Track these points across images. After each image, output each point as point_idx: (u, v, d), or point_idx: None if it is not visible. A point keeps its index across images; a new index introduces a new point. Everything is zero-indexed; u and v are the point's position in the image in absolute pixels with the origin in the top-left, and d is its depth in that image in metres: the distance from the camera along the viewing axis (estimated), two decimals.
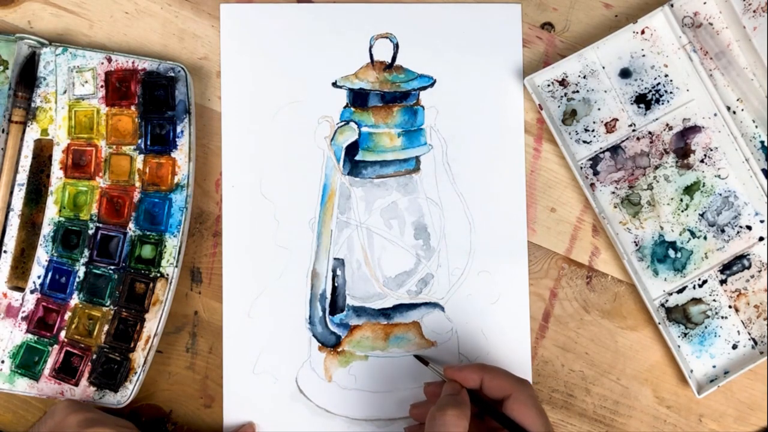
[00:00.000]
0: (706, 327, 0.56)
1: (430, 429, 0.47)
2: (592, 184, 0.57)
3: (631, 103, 0.57)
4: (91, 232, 0.54)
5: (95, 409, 0.52)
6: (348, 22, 0.57)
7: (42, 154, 0.56)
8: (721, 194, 0.57)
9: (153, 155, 0.55)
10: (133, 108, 0.55)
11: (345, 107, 0.57)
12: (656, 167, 0.57)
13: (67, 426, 0.49)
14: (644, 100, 0.57)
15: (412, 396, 0.56)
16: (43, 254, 0.54)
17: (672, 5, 0.56)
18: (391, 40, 0.57)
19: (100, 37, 0.57)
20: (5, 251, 0.54)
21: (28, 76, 0.55)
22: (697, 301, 0.57)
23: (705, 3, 0.56)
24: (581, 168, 0.57)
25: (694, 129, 0.57)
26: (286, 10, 0.57)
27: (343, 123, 0.57)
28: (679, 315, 0.56)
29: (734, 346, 0.56)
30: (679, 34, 0.56)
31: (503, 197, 0.57)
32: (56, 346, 0.54)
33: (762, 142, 0.57)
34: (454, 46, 0.57)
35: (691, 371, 0.56)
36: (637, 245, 0.57)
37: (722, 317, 0.56)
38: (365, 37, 0.57)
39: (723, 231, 0.57)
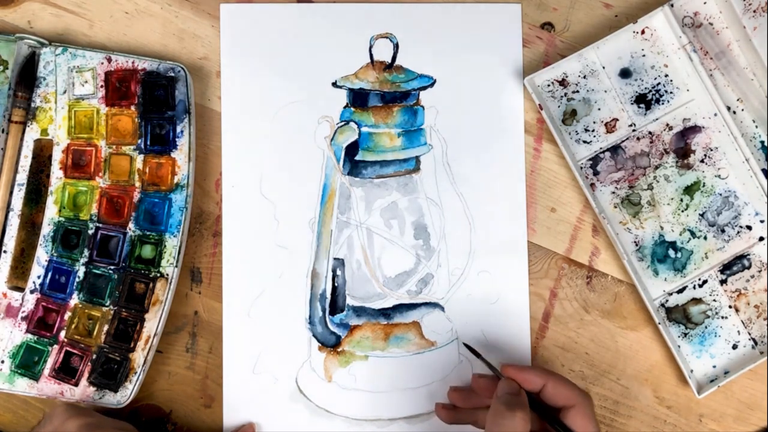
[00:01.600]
0: (706, 327, 0.56)
1: (495, 425, 0.46)
2: (592, 184, 0.57)
3: (631, 103, 0.57)
4: (91, 232, 0.54)
5: (94, 413, 0.51)
6: (348, 22, 0.57)
7: (42, 154, 0.56)
8: (721, 194, 0.57)
9: (153, 155, 0.55)
10: (133, 108, 0.55)
11: (345, 107, 0.57)
12: (656, 167, 0.57)
13: (66, 431, 0.49)
14: (644, 100, 0.57)
15: (412, 396, 0.56)
16: (42, 254, 0.54)
17: (672, 5, 0.56)
18: (391, 40, 0.57)
19: (100, 37, 0.57)
20: (5, 251, 0.54)
21: (28, 76, 0.54)
22: (697, 301, 0.57)
23: (705, 3, 0.56)
24: (581, 168, 0.57)
25: (694, 129, 0.57)
26: (286, 10, 0.57)
27: (343, 123, 0.57)
28: (679, 315, 0.56)
29: (734, 346, 0.56)
30: (679, 34, 0.56)
31: (503, 197, 0.57)
32: (56, 346, 0.54)
33: (762, 142, 0.57)
34: (454, 46, 0.57)
35: (691, 371, 0.56)
36: (637, 245, 0.57)
37: (722, 317, 0.56)
38: (365, 37, 0.57)
39: (723, 231, 0.57)
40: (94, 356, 0.54)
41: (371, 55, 0.57)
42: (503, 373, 0.50)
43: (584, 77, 0.57)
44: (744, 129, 0.57)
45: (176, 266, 0.54)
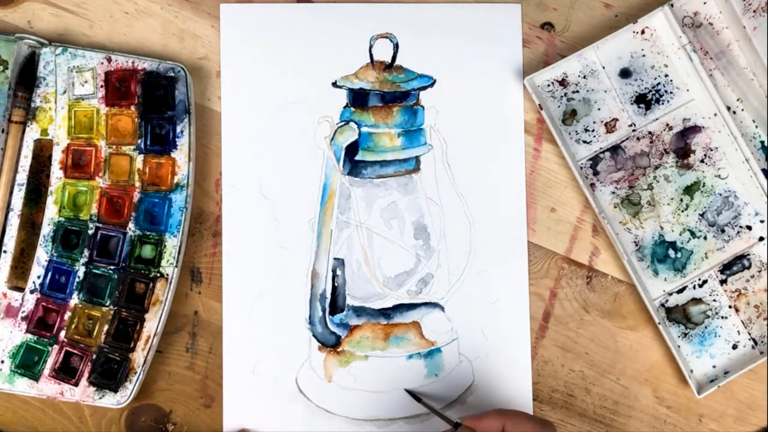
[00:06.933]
0: (706, 327, 0.56)
1: None
2: (592, 184, 0.57)
3: (631, 103, 0.57)
4: (90, 232, 0.54)
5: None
6: (348, 22, 0.57)
7: (42, 154, 0.56)
8: (721, 194, 0.57)
9: (153, 155, 0.55)
10: (132, 108, 0.55)
11: (345, 107, 0.57)
12: (656, 167, 0.57)
13: None
14: (644, 100, 0.57)
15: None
16: (42, 254, 0.54)
17: (672, 5, 0.56)
18: (391, 40, 0.57)
19: (100, 37, 0.57)
20: (5, 251, 0.54)
21: (28, 76, 0.54)
22: (697, 301, 0.57)
23: (705, 3, 0.56)
24: (581, 168, 0.57)
25: (694, 129, 0.57)
26: (286, 10, 0.57)
27: (343, 123, 0.57)
28: (679, 315, 0.56)
29: (734, 346, 0.56)
30: (679, 34, 0.56)
31: (503, 197, 0.57)
32: (56, 346, 0.54)
33: (762, 142, 0.57)
34: (454, 46, 0.57)
35: (691, 371, 0.56)
36: (637, 245, 0.57)
37: (722, 317, 0.56)
38: (365, 37, 0.57)
39: (723, 231, 0.57)
40: (94, 356, 0.54)
41: (371, 55, 0.57)
42: (463, 423, 0.50)
43: (584, 77, 0.57)
44: (744, 129, 0.57)
45: (176, 266, 0.54)
